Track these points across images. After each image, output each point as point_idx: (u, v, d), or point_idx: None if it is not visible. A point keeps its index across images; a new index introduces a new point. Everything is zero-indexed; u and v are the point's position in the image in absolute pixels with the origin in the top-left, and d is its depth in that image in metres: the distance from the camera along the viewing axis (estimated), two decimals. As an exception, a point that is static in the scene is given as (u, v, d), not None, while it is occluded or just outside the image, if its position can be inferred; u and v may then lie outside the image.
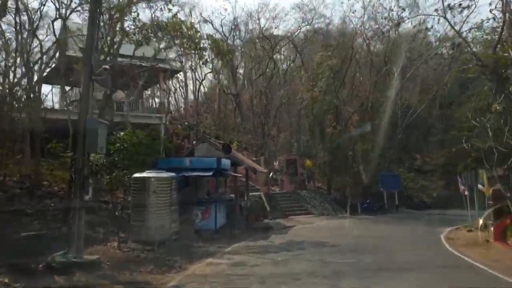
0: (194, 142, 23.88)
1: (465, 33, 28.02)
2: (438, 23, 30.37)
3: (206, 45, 18.55)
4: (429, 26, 34.22)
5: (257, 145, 35.75)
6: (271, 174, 31.32)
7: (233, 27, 42.40)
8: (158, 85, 35.42)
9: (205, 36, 18.47)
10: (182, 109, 57.11)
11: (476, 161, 21.89)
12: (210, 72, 43.03)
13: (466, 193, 19.89)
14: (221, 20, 40.61)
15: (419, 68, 42.38)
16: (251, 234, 17.62)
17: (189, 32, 17.69)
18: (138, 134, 16.36)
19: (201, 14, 39.44)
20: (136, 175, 14.20)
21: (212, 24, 43.16)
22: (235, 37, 43.30)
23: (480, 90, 50.11)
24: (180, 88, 55.66)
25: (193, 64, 48.62)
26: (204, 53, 18.74)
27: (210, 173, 17.20)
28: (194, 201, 17.75)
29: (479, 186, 20.84)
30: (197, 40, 17.92)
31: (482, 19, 25.35)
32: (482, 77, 49.50)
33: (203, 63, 19.17)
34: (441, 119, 47.15)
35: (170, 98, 57.15)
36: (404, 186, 38.34)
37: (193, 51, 18.87)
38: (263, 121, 36.10)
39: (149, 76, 28.73)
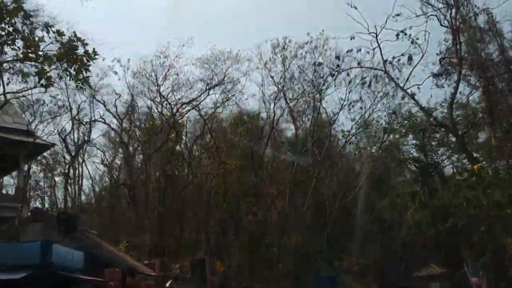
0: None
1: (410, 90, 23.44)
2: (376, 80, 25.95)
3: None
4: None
5: (150, 245, 26.28)
6: (168, 283, 21.82)
7: (129, 108, 34.82)
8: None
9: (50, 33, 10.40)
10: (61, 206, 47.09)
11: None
12: (87, 142, 34.34)
13: None
14: (115, 100, 32.90)
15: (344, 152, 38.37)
16: None
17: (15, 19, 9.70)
18: None
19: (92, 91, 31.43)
20: None
21: (104, 105, 34.74)
22: (132, 119, 35.54)
23: (403, 180, 47.80)
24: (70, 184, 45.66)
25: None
26: (44, 67, 10.60)
27: (21, 275, 7.97)
28: None
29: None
30: (29, 37, 9.86)
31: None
32: (405, 165, 47.59)
33: (42, 85, 10.89)
34: (366, 211, 42.03)
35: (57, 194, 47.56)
36: (338, 291, 30.92)
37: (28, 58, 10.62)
38: (160, 211, 27.15)
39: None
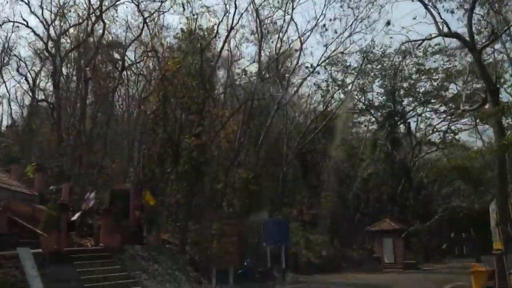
0: None
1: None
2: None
3: None
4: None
5: (60, 167, 20.64)
6: (76, 215, 16.56)
7: (59, 11, 27.27)
8: None
9: None
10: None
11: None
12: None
13: None
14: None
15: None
16: None
17: None
18: None
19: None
20: None
21: (28, 5, 26.91)
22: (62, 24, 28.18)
23: (365, 128, 44.88)
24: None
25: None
26: None
27: None
28: None
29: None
30: None
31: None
32: (368, 112, 44.25)
33: None
34: (323, 158, 38.24)
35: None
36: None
37: None
38: (78, 127, 21.25)
39: None
